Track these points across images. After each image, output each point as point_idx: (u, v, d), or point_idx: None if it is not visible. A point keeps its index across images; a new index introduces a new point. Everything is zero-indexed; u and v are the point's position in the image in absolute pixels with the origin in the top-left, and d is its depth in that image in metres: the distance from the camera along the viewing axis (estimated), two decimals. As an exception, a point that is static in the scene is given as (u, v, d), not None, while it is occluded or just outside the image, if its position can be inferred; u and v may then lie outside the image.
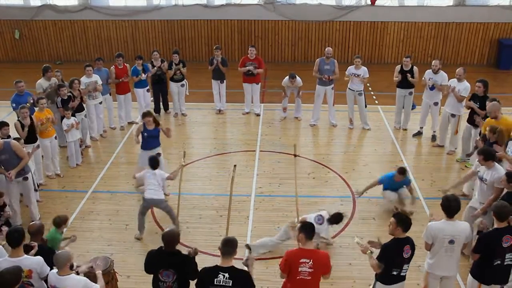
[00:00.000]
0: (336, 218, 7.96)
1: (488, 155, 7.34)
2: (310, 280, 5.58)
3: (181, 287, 5.72)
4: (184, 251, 5.88)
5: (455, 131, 11.02)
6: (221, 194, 9.72)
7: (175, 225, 8.45)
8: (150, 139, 9.29)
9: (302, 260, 5.54)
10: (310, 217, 7.85)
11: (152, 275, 5.81)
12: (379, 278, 6.00)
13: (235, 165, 7.87)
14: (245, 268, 5.62)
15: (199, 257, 7.76)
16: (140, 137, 9.36)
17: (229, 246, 5.42)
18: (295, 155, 8.08)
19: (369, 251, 6.01)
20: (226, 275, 5.29)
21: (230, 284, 5.28)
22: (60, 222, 7.02)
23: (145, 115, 9.25)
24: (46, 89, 11.04)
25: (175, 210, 8.60)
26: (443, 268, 6.26)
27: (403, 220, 5.76)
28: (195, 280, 5.59)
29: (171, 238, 5.63)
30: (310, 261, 5.53)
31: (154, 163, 8.33)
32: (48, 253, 5.98)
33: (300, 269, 5.55)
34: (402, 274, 5.91)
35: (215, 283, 5.30)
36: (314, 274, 5.58)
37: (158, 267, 5.65)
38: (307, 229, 5.66)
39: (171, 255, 5.63)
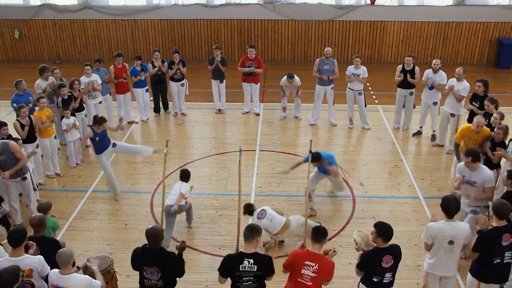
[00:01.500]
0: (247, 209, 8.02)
1: (477, 157, 7.31)
2: (311, 286, 5.54)
3: (166, 285, 5.73)
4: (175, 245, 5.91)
5: (454, 130, 11.01)
6: (220, 193, 9.73)
7: (188, 221, 8.71)
8: (102, 141, 9.32)
9: (306, 263, 5.53)
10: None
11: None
12: (362, 280, 6.00)
13: (240, 147, 7.81)
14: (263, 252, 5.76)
15: (199, 257, 7.83)
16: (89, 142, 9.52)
17: (250, 231, 5.54)
18: (310, 151, 8.06)
19: (361, 251, 6.00)
20: (251, 260, 5.44)
21: (255, 269, 5.43)
22: (46, 208, 7.07)
23: (101, 121, 9.18)
24: (45, 89, 11.03)
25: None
26: (443, 268, 6.26)
27: (382, 231, 5.70)
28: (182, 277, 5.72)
29: (154, 234, 5.61)
30: (315, 265, 5.51)
31: (185, 175, 8.65)
32: (51, 242, 6.15)
33: (303, 271, 5.54)
34: (384, 281, 5.83)
35: (240, 269, 5.43)
36: (316, 280, 5.54)
37: (142, 264, 5.66)
38: (315, 232, 5.68)
39: (155, 252, 5.62)
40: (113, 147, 9.45)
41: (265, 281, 5.69)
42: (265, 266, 5.51)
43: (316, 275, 5.51)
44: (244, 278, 5.46)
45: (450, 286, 6.48)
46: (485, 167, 7.51)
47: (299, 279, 5.58)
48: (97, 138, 9.26)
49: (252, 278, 5.47)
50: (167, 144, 8.23)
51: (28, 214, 8.93)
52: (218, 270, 5.64)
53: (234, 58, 17.46)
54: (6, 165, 8.25)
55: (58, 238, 7.50)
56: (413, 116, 12.35)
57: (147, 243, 5.67)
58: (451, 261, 6.20)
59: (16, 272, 5.06)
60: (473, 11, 17.20)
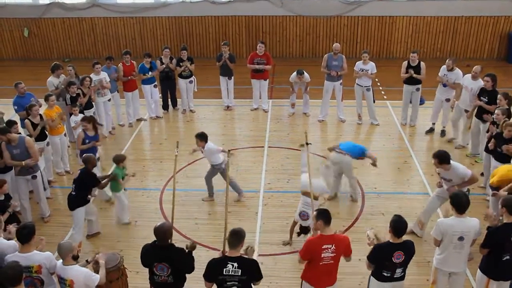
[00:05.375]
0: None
1: (443, 159, 7.31)
2: (333, 264, 5.76)
3: (176, 280, 5.76)
4: (183, 244, 5.94)
5: (468, 126, 10.94)
6: (229, 190, 9.70)
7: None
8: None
9: (324, 246, 5.66)
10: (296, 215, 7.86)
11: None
12: (373, 273, 6.00)
13: (229, 150, 7.79)
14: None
15: (208, 253, 7.84)
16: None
17: (234, 238, 5.43)
18: (307, 143, 8.03)
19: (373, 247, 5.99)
20: (235, 264, 5.33)
21: (239, 273, 5.33)
22: (118, 160, 8.66)
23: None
24: (57, 86, 11.10)
25: (171, 205, 8.43)
26: (452, 264, 6.23)
27: (393, 223, 5.71)
28: (192, 273, 5.74)
29: (162, 231, 5.64)
30: (332, 246, 5.66)
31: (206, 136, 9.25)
32: (86, 173, 7.85)
33: (323, 255, 5.67)
34: (396, 276, 5.84)
35: (224, 273, 5.34)
36: (336, 258, 5.76)
37: (152, 260, 5.70)
38: (324, 215, 5.74)
39: (164, 248, 5.66)
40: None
41: (254, 285, 5.58)
42: (249, 270, 5.38)
43: (335, 254, 5.70)
44: (228, 283, 5.35)
45: (459, 282, 6.44)
46: (458, 164, 7.47)
47: (321, 263, 5.70)
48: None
49: (236, 282, 5.35)
50: (178, 146, 8.25)
51: (39, 212, 9.00)
52: (203, 275, 5.51)
53: (242, 54, 17.45)
54: (19, 160, 8.33)
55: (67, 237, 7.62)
56: (424, 112, 12.27)
57: (156, 239, 5.70)
58: (460, 257, 6.17)
59: (16, 266, 5.10)
60: (483, 5, 17.02)
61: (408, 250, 5.77)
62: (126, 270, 6.75)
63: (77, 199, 7.88)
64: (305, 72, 12.53)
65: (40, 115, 9.55)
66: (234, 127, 12.76)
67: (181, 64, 12.84)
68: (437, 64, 11.52)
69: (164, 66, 12.79)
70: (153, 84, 12.81)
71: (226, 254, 5.51)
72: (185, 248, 5.88)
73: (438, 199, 8.03)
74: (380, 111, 12.96)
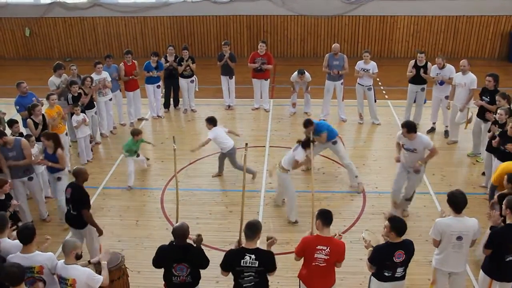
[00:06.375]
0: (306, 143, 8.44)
1: (411, 128, 7.94)
2: (325, 267, 5.73)
3: (194, 280, 5.81)
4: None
5: (465, 124, 10.94)
6: (230, 189, 9.73)
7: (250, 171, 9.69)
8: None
9: (318, 247, 5.66)
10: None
11: (161, 270, 5.88)
12: (374, 274, 5.99)
13: (246, 143, 7.78)
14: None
15: (209, 253, 7.80)
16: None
17: (251, 230, 5.53)
18: (313, 141, 8.22)
19: (371, 248, 5.99)
20: (253, 256, 5.45)
21: (257, 265, 5.45)
22: (133, 133, 9.82)
23: None
24: (59, 85, 11.12)
25: (175, 204, 8.46)
26: (451, 264, 6.21)
27: (396, 225, 5.68)
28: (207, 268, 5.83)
29: (182, 232, 5.68)
30: (327, 248, 5.66)
31: (214, 120, 9.78)
32: (79, 189, 7.15)
33: (316, 255, 5.68)
34: (396, 275, 5.84)
35: (241, 264, 5.46)
36: (329, 261, 5.71)
37: (171, 261, 5.71)
38: (323, 216, 5.73)
39: (183, 249, 5.69)
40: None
41: (268, 276, 5.70)
42: (266, 262, 5.52)
43: (329, 257, 5.67)
44: (245, 273, 5.49)
45: (460, 282, 6.42)
46: (423, 135, 8.18)
47: (313, 263, 5.72)
48: None
49: (253, 273, 5.49)
50: (174, 141, 8.25)
51: (38, 214, 8.99)
52: (220, 264, 5.67)
53: (243, 54, 17.46)
54: (16, 161, 8.31)
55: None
56: (424, 111, 12.25)
57: (173, 240, 5.73)
58: (459, 257, 6.15)
59: (20, 266, 5.12)
60: (484, 4, 17.02)
61: (409, 249, 5.78)
62: (127, 269, 6.77)
63: (80, 217, 7.27)
64: (306, 72, 12.53)
65: (43, 115, 9.56)
66: (235, 127, 12.72)
67: (182, 63, 12.85)
68: (434, 65, 11.48)
69: (168, 64, 12.80)
70: (156, 84, 12.82)
71: (242, 245, 5.61)
72: (193, 242, 5.96)
73: (403, 174, 8.51)
74: (381, 111, 12.95)
